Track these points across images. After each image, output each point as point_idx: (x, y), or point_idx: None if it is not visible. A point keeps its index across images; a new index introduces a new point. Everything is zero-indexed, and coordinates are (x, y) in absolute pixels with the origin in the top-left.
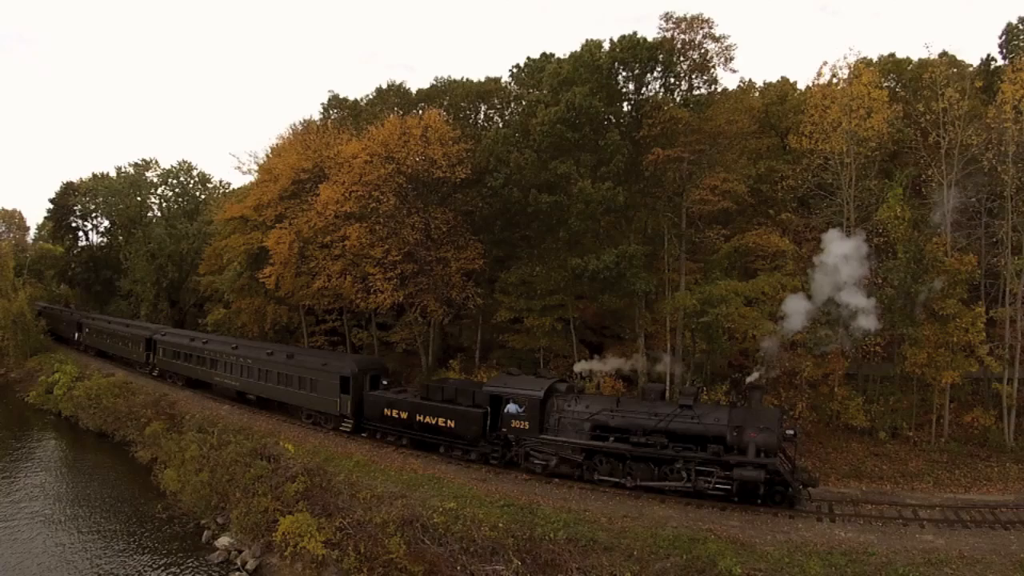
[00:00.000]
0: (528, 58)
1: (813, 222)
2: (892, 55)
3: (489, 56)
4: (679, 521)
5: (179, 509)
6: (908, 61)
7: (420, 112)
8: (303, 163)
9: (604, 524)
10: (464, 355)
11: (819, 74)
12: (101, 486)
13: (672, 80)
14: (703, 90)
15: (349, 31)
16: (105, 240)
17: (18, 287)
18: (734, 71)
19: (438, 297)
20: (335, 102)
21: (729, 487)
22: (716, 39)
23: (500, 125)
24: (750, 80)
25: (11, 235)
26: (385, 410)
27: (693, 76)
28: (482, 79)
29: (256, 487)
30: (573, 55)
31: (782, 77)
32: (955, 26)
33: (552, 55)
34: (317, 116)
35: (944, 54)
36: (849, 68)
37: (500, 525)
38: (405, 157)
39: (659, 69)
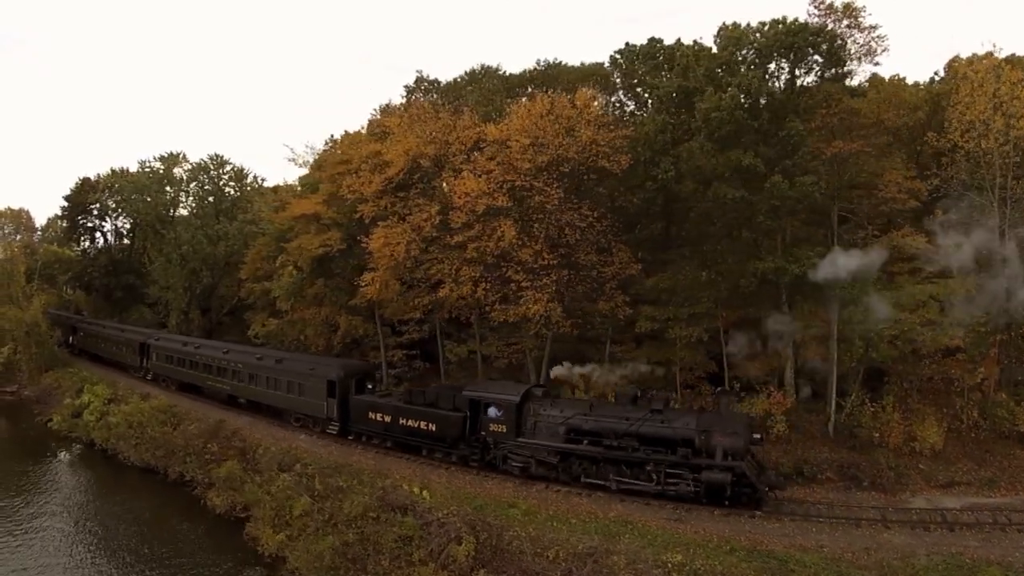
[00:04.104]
0: (627, 43)
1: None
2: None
3: (490, 56)
4: (924, 548)
5: None
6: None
7: (546, 92)
8: (424, 148)
9: (852, 560)
10: None
11: (966, 74)
12: (177, 548)
13: (837, 69)
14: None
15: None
16: (127, 242)
17: (31, 293)
18: (878, 64)
19: (572, 306)
20: (422, 83)
21: (698, 489)
22: (863, 29)
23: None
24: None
25: (19, 236)
26: (369, 413)
27: (838, 66)
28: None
29: (409, 553)
30: (725, 38)
31: (873, 75)
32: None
33: (660, 40)
34: (397, 100)
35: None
36: (990, 64)
37: None
38: (560, 142)
39: (818, 57)
